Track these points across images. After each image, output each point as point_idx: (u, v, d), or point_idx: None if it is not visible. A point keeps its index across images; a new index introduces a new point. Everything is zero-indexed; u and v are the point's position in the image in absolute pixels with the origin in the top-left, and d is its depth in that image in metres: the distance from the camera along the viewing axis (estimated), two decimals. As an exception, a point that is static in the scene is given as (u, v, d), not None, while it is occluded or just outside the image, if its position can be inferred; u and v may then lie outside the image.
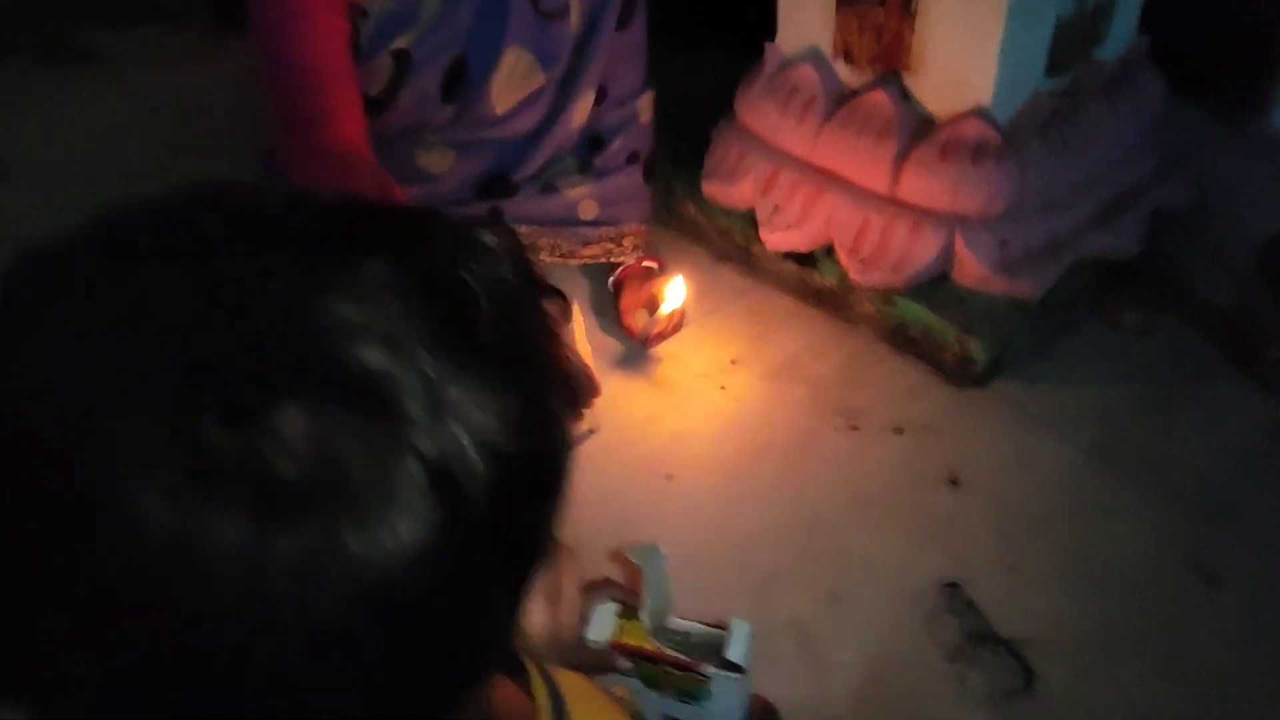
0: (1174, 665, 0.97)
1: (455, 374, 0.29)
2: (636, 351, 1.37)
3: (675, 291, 1.33)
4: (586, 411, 1.23)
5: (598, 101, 1.38)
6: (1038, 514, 1.12)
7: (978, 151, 1.24)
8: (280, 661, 0.27)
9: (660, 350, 1.37)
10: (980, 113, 1.25)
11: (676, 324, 1.39)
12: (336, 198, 0.34)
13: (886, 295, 1.33)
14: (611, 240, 1.44)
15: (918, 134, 1.30)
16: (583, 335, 1.20)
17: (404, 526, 0.27)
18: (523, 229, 1.42)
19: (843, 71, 1.40)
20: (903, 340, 1.34)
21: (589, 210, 1.44)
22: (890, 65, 1.33)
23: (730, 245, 1.52)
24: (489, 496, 0.30)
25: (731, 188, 1.49)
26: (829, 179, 1.38)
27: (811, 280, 1.42)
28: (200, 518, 0.25)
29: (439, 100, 1.25)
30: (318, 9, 1.07)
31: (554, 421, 0.35)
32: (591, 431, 1.25)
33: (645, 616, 0.78)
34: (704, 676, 0.75)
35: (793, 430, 1.24)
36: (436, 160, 1.35)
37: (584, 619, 0.78)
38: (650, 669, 0.77)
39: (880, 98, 1.32)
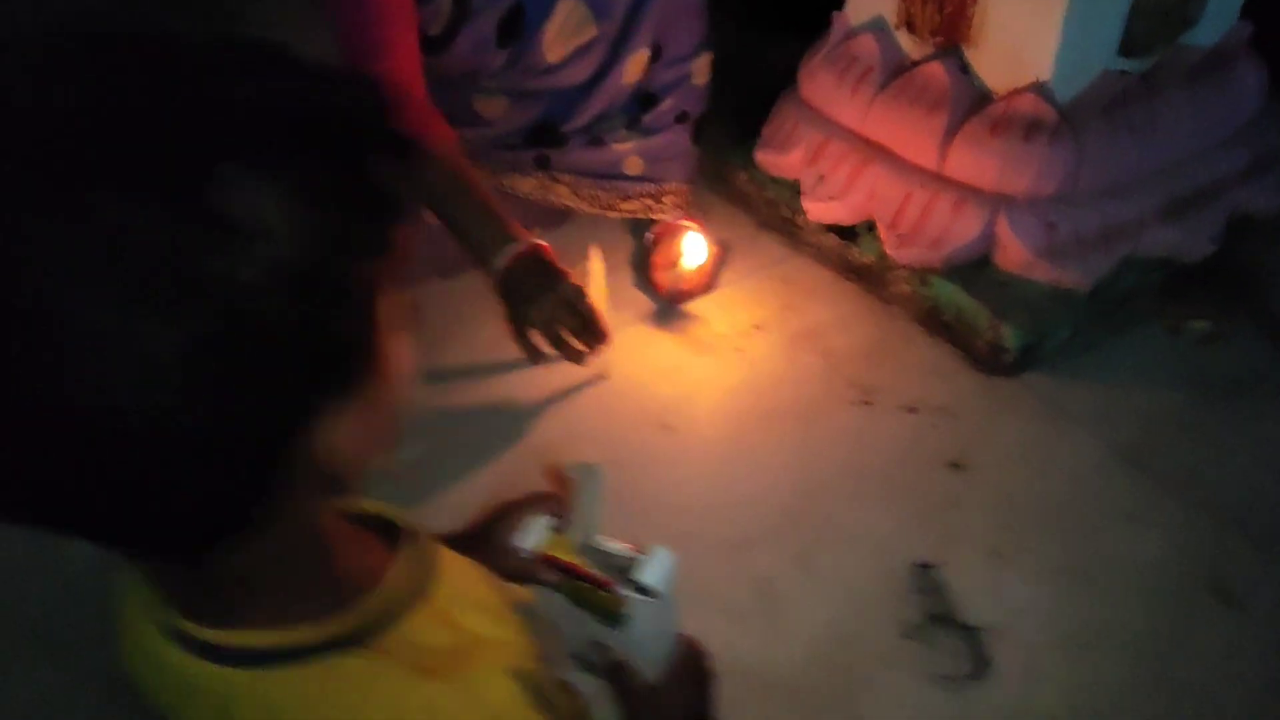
0: (1157, 677, 0.90)
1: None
2: (665, 308, 1.37)
3: (694, 246, 1.32)
4: (598, 356, 1.24)
5: (653, 59, 1.39)
6: (1042, 507, 1.06)
7: (1031, 128, 1.18)
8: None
9: (688, 308, 1.36)
10: (1038, 88, 1.19)
11: (705, 284, 1.38)
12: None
13: (923, 275, 1.28)
14: (652, 197, 1.44)
15: (972, 109, 1.24)
16: (601, 283, 1.21)
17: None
18: (567, 178, 1.44)
19: (905, 43, 1.36)
20: (936, 323, 1.29)
21: (634, 166, 1.44)
22: (951, 38, 1.28)
23: (775, 216, 1.50)
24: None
25: (782, 157, 1.47)
26: (877, 151, 1.34)
27: (850, 255, 1.38)
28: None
29: (494, 44, 1.28)
30: None
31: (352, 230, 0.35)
32: (603, 377, 1.26)
33: (573, 532, 0.77)
34: (620, 598, 0.74)
35: (801, 399, 1.21)
36: (492, 106, 1.38)
37: (518, 528, 0.78)
38: (573, 586, 0.76)
39: (936, 70, 1.27)
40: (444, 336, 1.31)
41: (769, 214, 1.51)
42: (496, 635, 0.48)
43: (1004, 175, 1.20)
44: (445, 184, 1.12)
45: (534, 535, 0.76)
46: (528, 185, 1.43)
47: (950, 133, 1.24)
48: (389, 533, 0.49)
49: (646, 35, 1.34)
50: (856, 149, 1.36)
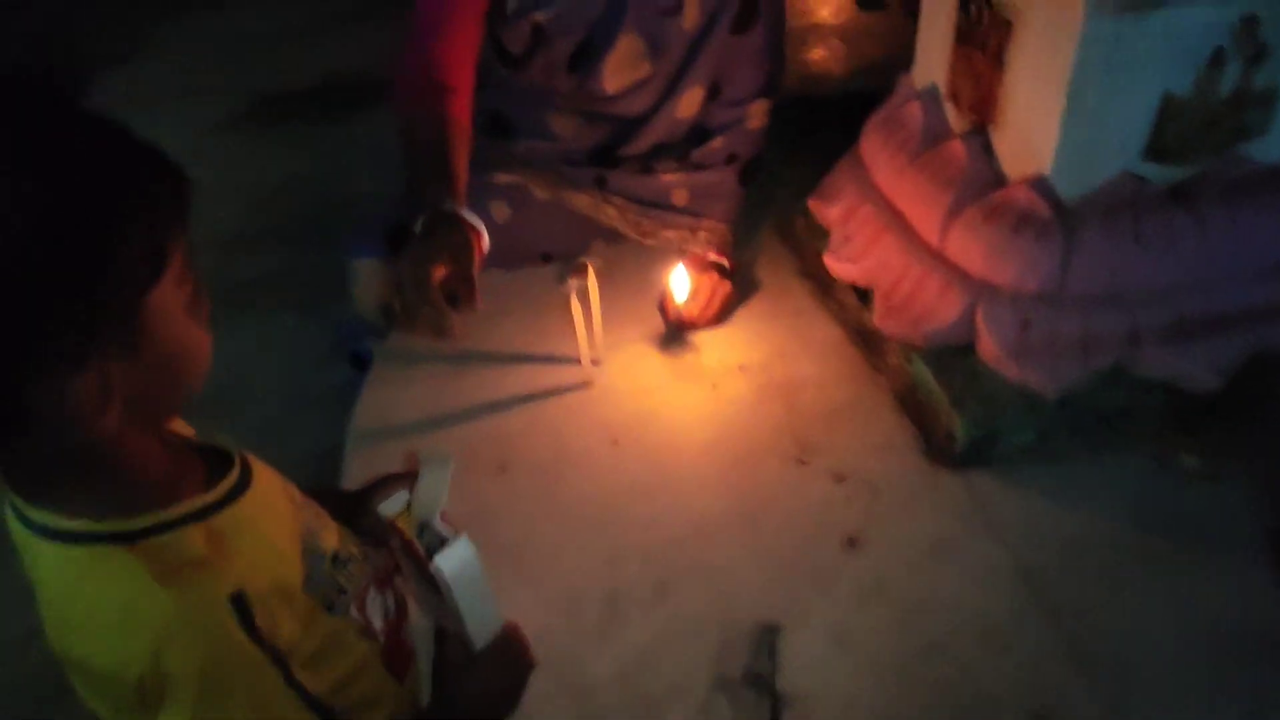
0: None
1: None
2: (672, 333, 1.45)
3: (679, 282, 1.39)
4: (587, 367, 1.36)
5: (711, 98, 1.47)
6: (908, 605, 1.04)
7: (1021, 221, 1.14)
8: None
9: (693, 337, 1.44)
10: (1037, 182, 1.14)
11: (710, 318, 1.44)
12: None
13: (909, 351, 1.27)
14: (689, 229, 1.52)
15: (982, 192, 1.21)
16: (595, 295, 1.32)
17: None
18: (617, 200, 1.56)
19: (951, 115, 1.33)
20: (910, 402, 1.27)
21: (680, 197, 1.53)
22: (982, 116, 1.25)
23: (816, 264, 1.52)
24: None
25: (827, 208, 1.49)
26: (896, 219, 1.34)
27: (862, 318, 1.39)
28: None
29: (565, 70, 1.43)
30: None
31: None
32: (587, 384, 1.37)
33: (415, 510, 0.91)
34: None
35: (741, 442, 1.25)
36: (564, 124, 1.53)
37: (385, 497, 0.93)
38: (408, 556, 0.90)
39: (957, 148, 1.25)
40: (469, 322, 1.49)
41: (812, 263, 1.53)
42: (256, 560, 0.59)
43: (988, 264, 1.17)
44: (425, 144, 1.21)
45: (392, 506, 0.91)
46: (581, 201, 1.56)
47: (954, 213, 1.22)
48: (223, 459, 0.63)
49: (702, 75, 1.43)
50: (882, 214, 1.36)
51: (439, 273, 1.09)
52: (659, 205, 1.53)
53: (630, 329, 1.46)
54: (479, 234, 1.15)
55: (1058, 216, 1.12)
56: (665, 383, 1.37)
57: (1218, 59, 1.06)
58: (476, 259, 1.12)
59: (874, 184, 1.41)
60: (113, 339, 0.51)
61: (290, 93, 3.01)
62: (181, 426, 0.68)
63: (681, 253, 1.52)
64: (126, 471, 0.56)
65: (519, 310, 1.49)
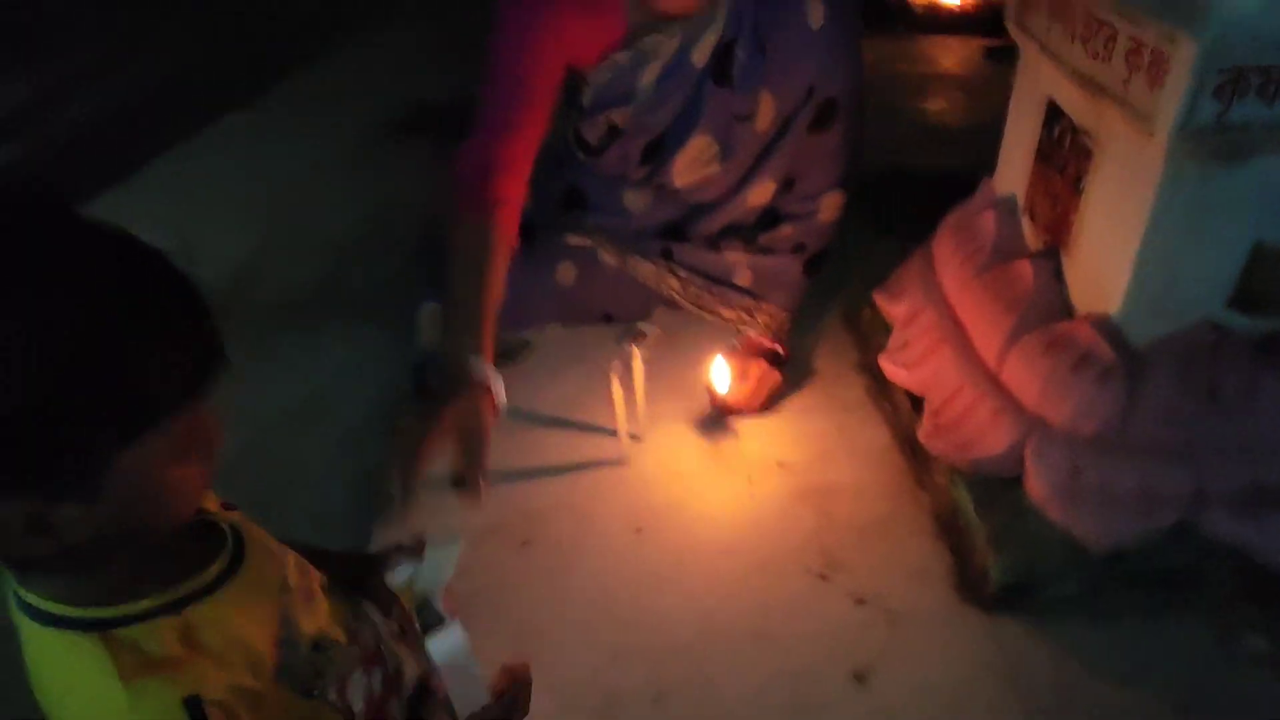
0: None
1: None
2: (716, 415, 1.43)
3: (720, 372, 1.36)
4: (625, 444, 1.35)
5: (784, 190, 1.44)
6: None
7: (1083, 360, 1.06)
8: None
9: (735, 422, 1.41)
10: (1104, 321, 1.07)
11: (755, 406, 1.41)
12: None
13: (955, 474, 1.21)
14: (748, 310, 1.50)
15: (1045, 319, 1.14)
16: (639, 371, 1.32)
17: None
18: (682, 273, 1.54)
19: (1027, 230, 1.27)
20: (949, 528, 1.21)
21: (744, 277, 1.51)
22: (1056, 238, 1.18)
23: (875, 360, 1.47)
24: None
25: (893, 306, 1.44)
26: (957, 333, 1.28)
27: (912, 426, 1.33)
28: None
29: (638, 162, 1.43)
30: (548, 51, 1.26)
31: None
32: (621, 462, 1.36)
33: (418, 586, 0.93)
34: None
35: (766, 548, 1.21)
36: (637, 200, 1.52)
37: (392, 566, 0.95)
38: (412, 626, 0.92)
39: (1026, 269, 1.18)
40: (521, 377, 1.50)
41: (872, 357, 1.48)
42: (225, 658, 0.60)
43: (1044, 398, 1.10)
44: (466, 262, 1.17)
45: (398, 576, 0.93)
46: (646, 270, 1.55)
47: (1013, 338, 1.15)
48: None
49: (775, 171, 1.41)
50: (944, 323, 1.31)
51: (437, 448, 0.98)
52: (722, 282, 1.51)
53: (677, 403, 1.44)
54: (494, 399, 1.05)
55: (1123, 359, 1.05)
56: (700, 469, 1.35)
57: (1318, 212, 0.97)
58: (487, 437, 1.00)
59: (940, 289, 1.35)
60: (67, 491, 0.51)
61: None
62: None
63: (738, 333, 1.49)
64: (104, 565, 0.57)
65: (571, 370, 1.50)
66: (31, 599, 0.58)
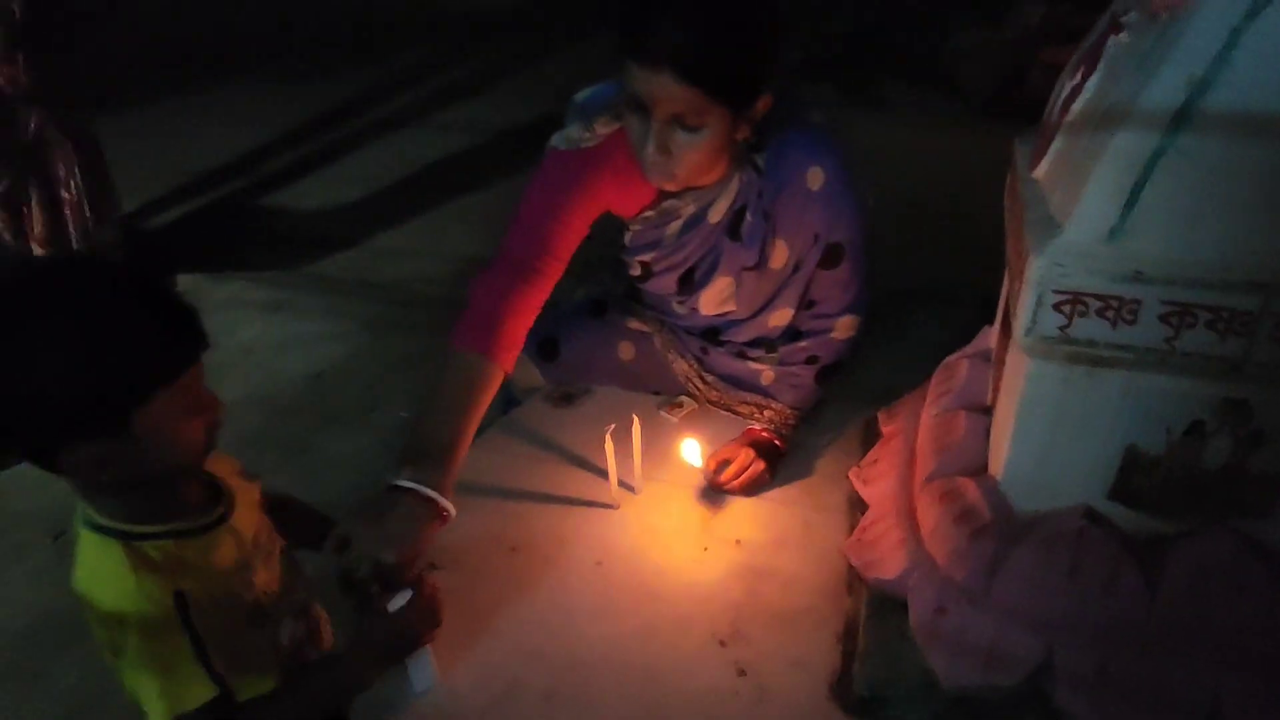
0: None
1: None
2: (706, 488, 1.63)
3: (691, 453, 1.56)
4: (615, 491, 1.59)
5: (806, 308, 1.62)
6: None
7: (964, 514, 1.18)
8: None
9: (718, 497, 1.60)
10: (992, 485, 1.17)
11: (741, 487, 1.59)
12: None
13: (867, 587, 1.34)
14: (758, 406, 1.69)
15: (961, 469, 1.25)
16: (638, 447, 1.56)
17: None
18: (709, 378, 1.76)
19: (991, 385, 1.37)
20: (850, 633, 1.34)
21: (767, 378, 1.70)
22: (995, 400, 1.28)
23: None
24: None
25: (886, 424, 1.57)
26: (908, 463, 1.40)
27: (862, 537, 1.46)
28: None
29: (675, 292, 1.67)
30: (578, 213, 1.45)
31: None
32: (613, 505, 1.61)
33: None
34: None
35: (688, 608, 1.40)
36: (682, 309, 1.75)
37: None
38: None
39: (959, 420, 1.30)
40: (570, 417, 1.78)
41: (864, 467, 1.62)
42: (204, 581, 0.97)
43: (932, 541, 1.22)
44: (454, 394, 1.35)
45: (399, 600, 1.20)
46: (680, 367, 1.79)
47: (928, 479, 1.28)
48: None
49: (791, 301, 1.60)
50: (906, 450, 1.43)
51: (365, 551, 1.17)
52: (746, 385, 1.71)
53: (680, 470, 1.66)
54: (445, 514, 1.27)
55: (999, 523, 1.15)
56: (671, 527, 1.56)
57: (1196, 430, 1.03)
58: (421, 546, 1.23)
59: (916, 420, 1.47)
60: (108, 430, 0.88)
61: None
62: (218, 462, 1.07)
63: (747, 422, 1.69)
64: (134, 494, 0.94)
65: (609, 420, 1.74)
66: (89, 514, 0.95)
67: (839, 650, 1.33)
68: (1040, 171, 1.09)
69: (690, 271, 1.59)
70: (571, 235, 1.45)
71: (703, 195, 1.47)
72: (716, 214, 1.49)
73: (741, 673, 1.31)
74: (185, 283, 3.42)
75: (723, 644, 1.36)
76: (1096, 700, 1.11)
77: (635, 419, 1.55)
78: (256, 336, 3.11)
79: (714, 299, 1.61)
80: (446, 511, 1.27)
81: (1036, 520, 1.14)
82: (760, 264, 1.52)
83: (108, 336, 0.86)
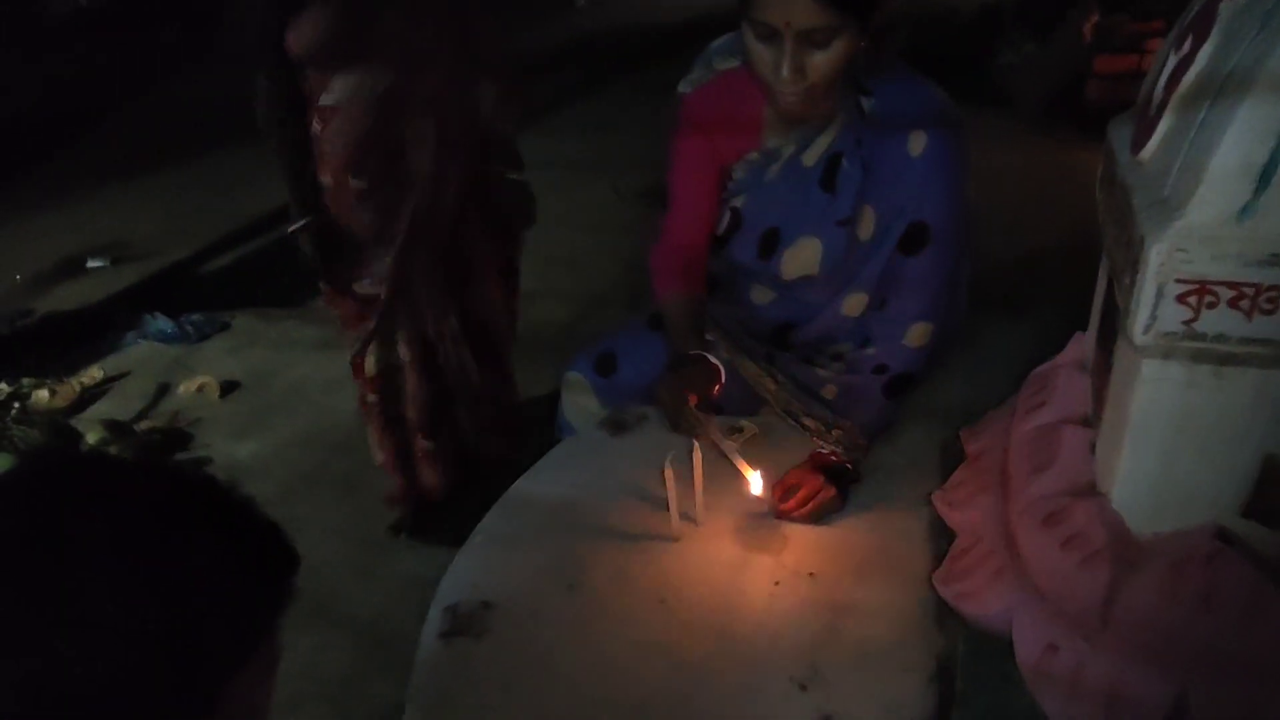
0: None
1: None
2: (771, 517, 1.51)
3: (755, 483, 1.45)
4: (677, 524, 1.49)
5: (876, 307, 1.52)
6: None
7: (1073, 539, 1.06)
8: None
9: (786, 527, 1.49)
10: (1104, 505, 1.05)
11: (805, 516, 1.48)
12: None
13: (963, 623, 1.22)
14: (825, 424, 1.57)
15: (1066, 489, 1.13)
16: (699, 469, 1.46)
17: None
18: (780, 377, 1.66)
19: (1089, 396, 1.25)
20: (946, 673, 1.22)
21: (830, 392, 1.59)
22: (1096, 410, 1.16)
23: (944, 496, 1.48)
24: None
25: (970, 443, 1.46)
26: (1000, 483, 1.28)
27: (950, 567, 1.34)
28: None
29: (756, 254, 1.59)
30: (706, 174, 1.59)
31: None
32: (672, 538, 1.50)
33: None
34: None
35: (763, 648, 1.28)
36: (762, 295, 1.68)
37: None
38: None
39: (1062, 435, 1.18)
40: (626, 447, 1.69)
41: (947, 490, 1.50)
42: None
43: (1037, 570, 1.09)
44: (676, 316, 1.61)
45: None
46: (749, 370, 1.69)
47: (1029, 503, 1.15)
48: None
49: (868, 284, 1.51)
50: (995, 471, 1.31)
51: (686, 394, 1.45)
52: (810, 394, 1.61)
53: (744, 498, 1.55)
54: (718, 368, 1.51)
55: (1115, 547, 1.02)
56: (738, 562, 1.44)
57: (1345, 436, 0.90)
58: (715, 386, 1.51)
59: (1008, 436, 1.35)
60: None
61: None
62: None
63: (815, 444, 1.57)
64: None
65: (668, 448, 1.65)
66: None
67: (934, 693, 1.21)
68: (1147, 153, 0.98)
69: (774, 232, 1.55)
70: (707, 197, 1.59)
71: (805, 133, 1.47)
72: (812, 157, 1.47)
73: (826, 718, 1.19)
74: (239, 322, 3.44)
75: (803, 688, 1.24)
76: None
77: (696, 445, 1.46)
78: (307, 375, 3.08)
79: (796, 261, 1.55)
80: (718, 365, 1.53)
81: (1159, 543, 1.02)
82: (851, 220, 1.47)
83: (186, 586, 0.58)
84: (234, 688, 0.60)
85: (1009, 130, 4.40)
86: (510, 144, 2.06)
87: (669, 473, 1.43)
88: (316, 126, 1.82)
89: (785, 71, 1.29)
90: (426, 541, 2.25)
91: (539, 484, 1.62)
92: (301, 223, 1.91)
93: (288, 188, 1.90)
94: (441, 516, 2.24)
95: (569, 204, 2.95)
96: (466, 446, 2.26)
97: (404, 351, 2.06)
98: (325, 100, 1.78)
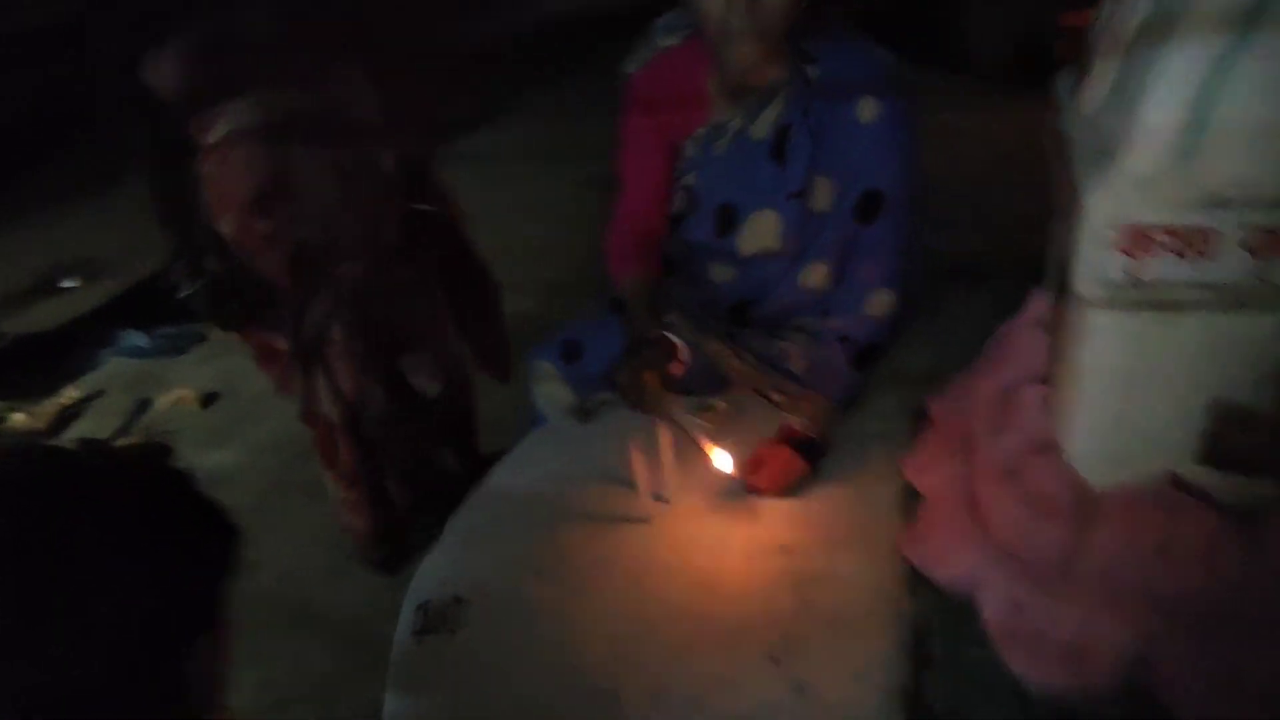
0: None
1: None
2: (742, 492, 1.50)
3: (720, 461, 1.44)
4: (647, 504, 1.48)
5: (837, 279, 1.51)
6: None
7: (1032, 495, 1.05)
8: None
9: (758, 501, 1.48)
10: (1061, 460, 1.04)
11: (775, 490, 1.47)
12: None
13: (934, 587, 1.21)
14: (794, 398, 1.56)
15: (1027, 448, 1.13)
16: (668, 449, 1.46)
17: None
18: (744, 354, 1.65)
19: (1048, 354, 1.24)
20: (921, 636, 1.21)
21: (798, 364, 1.58)
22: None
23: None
24: None
25: (940, 406, 1.45)
26: (965, 447, 1.27)
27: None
28: None
29: (714, 232, 1.58)
30: (655, 151, 1.57)
31: None
32: (642, 519, 1.49)
33: None
34: None
35: (734, 623, 1.27)
36: (721, 273, 1.67)
37: None
38: None
39: (1029, 395, 1.17)
40: (591, 433, 1.68)
41: (916, 457, 1.49)
42: None
43: (999, 529, 1.09)
44: (634, 298, 1.58)
45: None
46: (713, 349, 1.68)
47: (991, 462, 1.15)
48: None
49: (827, 254, 1.51)
50: (961, 434, 1.31)
51: (645, 374, 1.42)
52: (777, 367, 1.60)
53: (714, 475, 1.54)
54: (677, 346, 1.46)
55: (1073, 501, 1.02)
56: (709, 539, 1.43)
57: (1296, 373, 0.90)
58: (675, 364, 1.46)
59: (972, 399, 1.35)
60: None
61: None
62: None
63: (783, 418, 1.56)
64: None
65: (634, 431, 1.64)
66: None
67: (907, 659, 1.20)
68: (1086, 102, 0.97)
69: (729, 209, 1.54)
70: (655, 172, 1.57)
71: (752, 105, 1.45)
72: (761, 129, 1.45)
73: (799, 690, 1.19)
74: (215, 333, 3.40)
75: (776, 660, 1.23)
76: (1203, 694, 0.97)
77: (662, 425, 1.45)
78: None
79: (755, 236, 1.54)
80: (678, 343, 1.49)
81: (1116, 495, 1.01)
82: (804, 192, 1.46)
83: (140, 571, 0.61)
84: (197, 660, 0.64)
85: (970, 94, 4.38)
86: (432, 174, 1.82)
87: (636, 455, 1.42)
88: (210, 168, 1.58)
89: (738, 10, 1.29)
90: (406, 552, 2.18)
91: (510, 476, 1.61)
92: (193, 288, 1.68)
93: (173, 244, 1.68)
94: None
95: (534, 194, 2.93)
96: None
97: (329, 409, 1.84)
98: (212, 139, 1.56)
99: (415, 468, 2.07)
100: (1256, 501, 0.97)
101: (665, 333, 1.49)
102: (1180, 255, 0.84)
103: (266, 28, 1.55)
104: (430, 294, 1.87)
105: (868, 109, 1.37)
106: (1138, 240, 0.83)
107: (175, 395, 3.08)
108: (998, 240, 2.07)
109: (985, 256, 1.93)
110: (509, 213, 2.82)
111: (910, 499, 1.44)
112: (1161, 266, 0.84)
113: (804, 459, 1.47)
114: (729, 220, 1.55)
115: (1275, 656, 0.95)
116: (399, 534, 2.07)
